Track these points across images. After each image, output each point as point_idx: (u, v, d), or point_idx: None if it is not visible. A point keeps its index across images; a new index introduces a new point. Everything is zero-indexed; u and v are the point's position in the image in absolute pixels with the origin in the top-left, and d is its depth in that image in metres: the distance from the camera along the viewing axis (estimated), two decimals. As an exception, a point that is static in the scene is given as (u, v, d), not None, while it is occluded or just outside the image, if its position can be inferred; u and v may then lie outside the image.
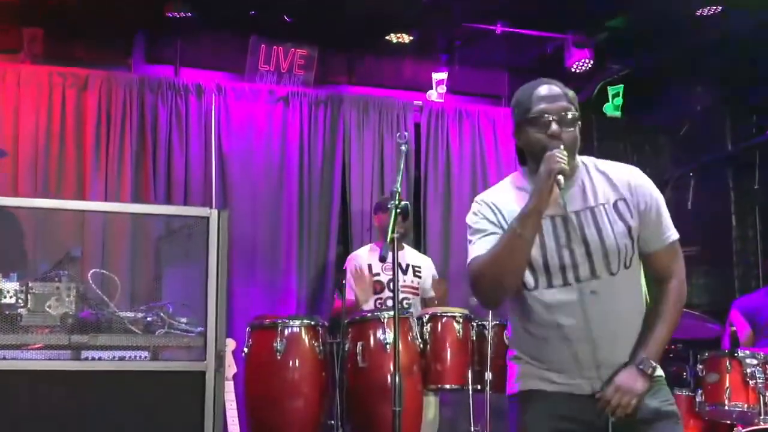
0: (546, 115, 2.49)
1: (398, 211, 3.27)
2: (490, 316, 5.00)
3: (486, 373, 4.92)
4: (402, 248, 5.50)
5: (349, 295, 5.47)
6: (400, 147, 3.63)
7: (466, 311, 5.13)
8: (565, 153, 2.42)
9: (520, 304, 2.56)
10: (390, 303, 5.51)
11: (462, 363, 4.96)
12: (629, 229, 2.51)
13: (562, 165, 2.39)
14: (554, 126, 2.47)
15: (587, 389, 2.51)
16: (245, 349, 4.80)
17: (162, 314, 2.93)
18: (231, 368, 4.98)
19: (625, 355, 2.51)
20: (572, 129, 2.50)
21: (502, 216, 2.54)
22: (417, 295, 5.63)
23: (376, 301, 5.55)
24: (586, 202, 2.53)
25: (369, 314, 4.87)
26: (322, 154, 6.44)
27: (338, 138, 6.48)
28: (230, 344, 5.18)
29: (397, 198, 3.32)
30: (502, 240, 2.45)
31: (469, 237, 2.57)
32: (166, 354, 3.01)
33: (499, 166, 6.76)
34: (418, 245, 6.50)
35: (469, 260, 2.53)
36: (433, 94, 6.78)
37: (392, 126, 6.57)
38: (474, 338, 5.07)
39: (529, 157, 2.56)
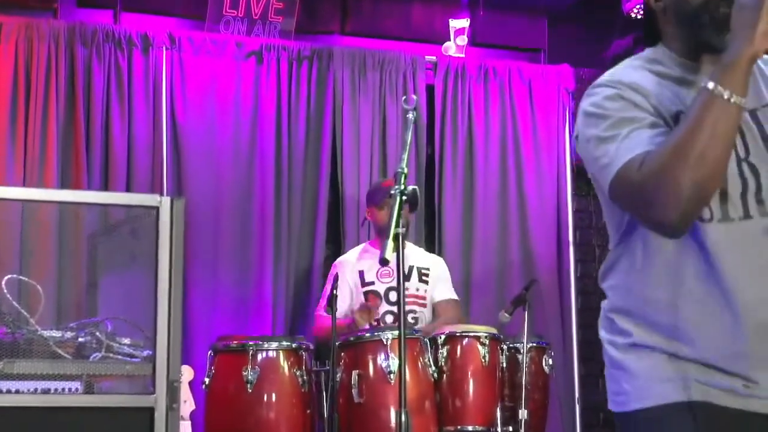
0: None
1: (404, 198, 3.26)
2: (525, 336, 5.02)
3: (520, 411, 4.94)
4: (404, 246, 5.50)
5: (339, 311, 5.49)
6: (407, 115, 3.61)
7: (493, 330, 5.14)
8: None
9: (660, 246, 2.16)
10: (390, 319, 5.53)
11: (488, 398, 4.98)
12: None
13: None
14: None
15: (758, 407, 2.12)
16: (206, 380, 4.81)
17: (98, 334, 2.93)
18: (188, 404, 4.99)
19: None
20: None
21: (653, 97, 2.18)
22: (425, 305, 5.64)
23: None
24: (761, 97, 2.24)
25: (367, 334, 4.88)
26: (306, 126, 6.44)
27: (327, 105, 6.47)
28: (187, 373, 5.20)
29: (402, 182, 3.31)
30: (697, 114, 2.02)
31: (602, 132, 2.15)
32: (103, 385, 3.01)
33: (536, 140, 6.76)
34: (431, 245, 6.50)
35: (616, 166, 2.09)
36: (451, 48, 6.77)
37: (397, 89, 6.57)
38: (504, 365, 5.09)
39: (678, 23, 2.25)
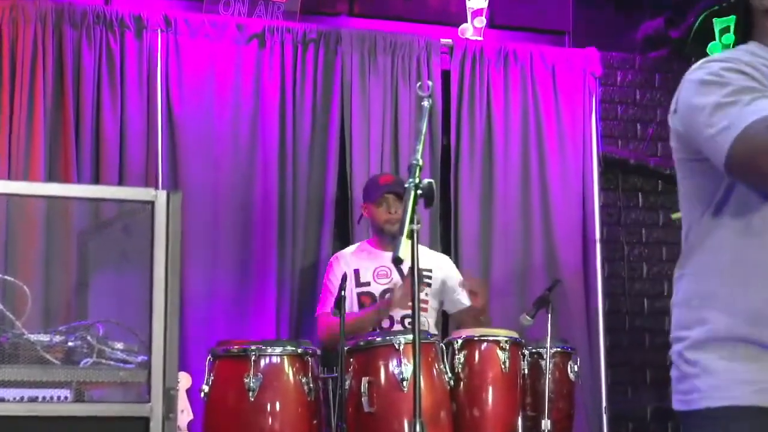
0: None
1: (419, 192, 3.25)
2: (548, 341, 5.01)
3: (543, 422, 4.95)
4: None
5: (324, 308, 5.55)
6: (422, 103, 3.61)
7: (514, 334, 5.13)
8: None
9: (749, 213, 2.23)
10: (387, 324, 5.53)
11: (509, 407, 4.99)
12: None
13: None
14: None
15: None
16: (205, 388, 4.82)
17: (89, 338, 2.93)
18: (185, 414, 4.99)
19: None
20: None
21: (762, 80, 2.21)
22: (425, 310, 5.61)
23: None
24: None
25: (378, 338, 4.88)
26: (312, 115, 6.44)
27: (334, 92, 6.47)
28: (184, 380, 5.19)
29: (417, 175, 3.30)
30: None
31: (721, 99, 2.18)
32: (94, 393, 3.01)
33: (560, 130, 6.74)
34: (446, 243, 6.49)
35: (743, 126, 2.12)
36: (468, 30, 6.76)
37: (410, 74, 6.57)
38: (526, 372, 5.09)
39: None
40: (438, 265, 5.78)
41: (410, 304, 5.25)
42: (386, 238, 5.61)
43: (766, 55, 2.30)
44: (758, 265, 2.21)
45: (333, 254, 6.05)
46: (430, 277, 5.70)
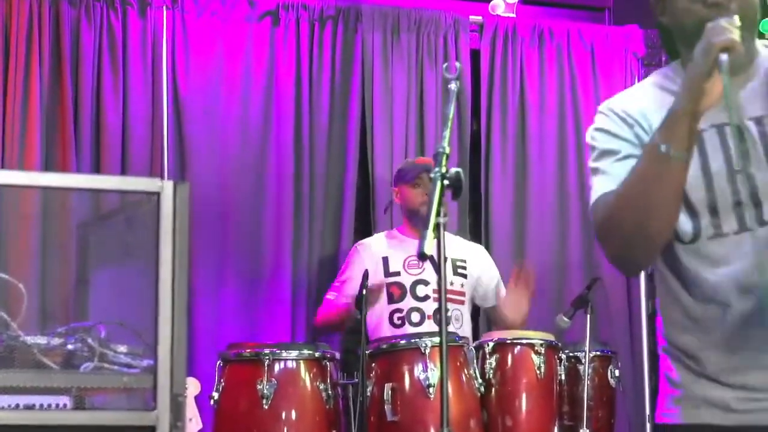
0: None
1: (445, 182, 3.25)
2: (587, 343, 5.01)
3: (581, 431, 4.92)
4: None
5: (338, 299, 5.56)
6: (449, 86, 3.60)
7: (550, 336, 5.13)
8: (737, 23, 2.34)
9: (669, 267, 2.54)
10: (416, 318, 5.53)
11: (544, 415, 5.00)
12: None
13: (729, 37, 2.29)
14: None
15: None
16: (214, 395, 4.84)
17: (90, 340, 2.94)
18: (193, 422, 5.02)
19: None
20: None
21: (642, 127, 2.52)
22: (461, 302, 5.62)
23: (392, 315, 5.60)
24: None
25: (402, 341, 4.88)
26: (330, 98, 6.45)
27: (354, 74, 6.48)
28: (192, 386, 5.22)
29: (443, 163, 3.30)
30: (641, 163, 2.40)
31: (591, 164, 2.56)
32: (96, 400, 3.02)
33: (600, 115, 6.73)
34: (476, 237, 6.49)
35: (592, 199, 2.52)
36: (500, 6, 6.76)
37: (436, 54, 6.57)
38: (563, 377, 5.09)
39: (680, 42, 2.55)
40: (474, 256, 5.78)
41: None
42: (420, 224, 5.59)
43: (678, 78, 2.50)
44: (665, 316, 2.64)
45: (353, 246, 6.04)
46: (465, 268, 5.69)
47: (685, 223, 2.46)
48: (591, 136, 2.59)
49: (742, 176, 2.43)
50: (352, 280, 5.52)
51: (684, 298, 2.52)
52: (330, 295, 5.69)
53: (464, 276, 5.68)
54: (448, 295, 5.57)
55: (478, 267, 5.75)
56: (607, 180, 2.48)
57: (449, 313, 5.56)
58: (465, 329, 5.56)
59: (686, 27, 2.47)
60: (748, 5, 2.45)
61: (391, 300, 5.60)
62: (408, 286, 5.61)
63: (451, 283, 5.61)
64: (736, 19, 2.33)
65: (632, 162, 2.44)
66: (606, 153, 2.52)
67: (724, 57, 2.28)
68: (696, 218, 2.46)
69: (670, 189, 2.36)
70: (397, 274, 5.64)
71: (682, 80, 2.39)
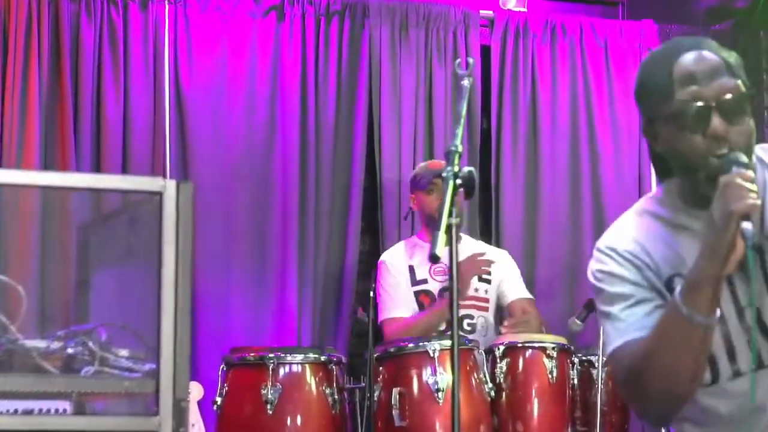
0: (699, 103, 2.43)
1: (458, 183, 3.24)
2: (600, 347, 5.00)
3: (595, 437, 4.93)
4: (459, 239, 5.49)
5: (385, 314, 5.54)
6: (461, 83, 3.59)
7: (562, 340, 5.13)
8: (751, 175, 2.34)
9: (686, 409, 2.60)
10: (442, 325, 5.52)
11: (556, 421, 5.00)
12: None
13: (749, 203, 2.29)
14: (716, 120, 2.41)
15: None
16: (218, 399, 4.85)
17: (91, 344, 2.93)
18: (196, 428, 5.02)
19: None
20: (744, 120, 2.44)
21: (648, 267, 2.55)
22: (486, 309, 5.62)
23: None
24: (765, 225, 2.51)
25: (409, 344, 4.88)
26: (336, 96, 6.45)
27: (361, 70, 6.48)
28: (196, 391, 5.22)
29: (456, 162, 3.29)
30: (666, 328, 2.42)
31: (601, 307, 2.60)
32: (97, 405, 3.02)
33: (613, 112, 6.72)
34: (486, 238, 6.49)
35: (609, 349, 2.55)
36: (511, 0, 6.74)
37: (446, 50, 6.56)
38: (575, 382, 5.09)
39: (675, 168, 2.55)
40: (500, 259, 5.77)
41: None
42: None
43: (674, 206, 2.57)
44: None
45: (360, 249, 6.05)
46: (489, 273, 5.69)
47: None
48: (595, 277, 2.62)
49: (749, 311, 2.49)
50: (398, 293, 5.53)
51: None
52: (388, 317, 5.63)
53: (488, 282, 5.68)
54: (473, 302, 5.62)
55: (502, 271, 5.75)
56: (623, 329, 2.51)
57: (472, 321, 5.58)
58: (491, 338, 5.53)
59: (684, 159, 2.47)
60: (747, 133, 2.45)
61: (421, 308, 5.60)
62: (436, 293, 5.60)
63: (476, 290, 5.62)
64: (744, 159, 2.36)
65: (645, 308, 2.49)
66: (616, 297, 2.55)
67: (748, 227, 2.29)
68: (714, 364, 2.51)
69: (698, 353, 2.41)
70: (424, 281, 5.65)
71: (701, 243, 2.38)
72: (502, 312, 5.77)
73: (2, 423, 2.86)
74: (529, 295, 5.79)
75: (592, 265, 2.64)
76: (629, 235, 2.61)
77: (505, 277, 5.74)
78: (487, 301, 5.65)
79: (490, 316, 5.65)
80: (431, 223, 5.64)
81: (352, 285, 6.26)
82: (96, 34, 6.09)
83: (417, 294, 5.63)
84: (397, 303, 5.60)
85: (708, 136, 2.41)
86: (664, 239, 2.53)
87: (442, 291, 5.57)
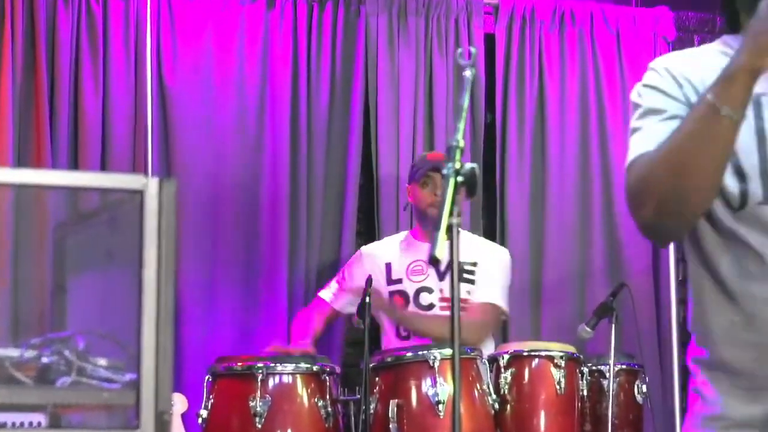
0: None
1: (460, 179, 3.25)
2: (612, 356, 5.01)
3: (606, 452, 4.95)
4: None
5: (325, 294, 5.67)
6: (463, 74, 3.59)
7: (571, 348, 5.14)
8: None
9: (710, 245, 2.53)
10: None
11: (565, 434, 4.98)
12: None
13: None
14: None
15: None
16: (203, 412, 4.86)
17: (67, 352, 2.93)
18: (180, 443, 5.02)
19: None
20: None
21: (694, 88, 2.51)
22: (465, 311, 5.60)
23: (398, 326, 5.60)
24: None
25: (408, 353, 4.89)
26: (330, 88, 6.46)
27: (357, 61, 6.49)
28: (179, 403, 5.22)
29: (457, 158, 3.30)
30: (688, 119, 2.40)
31: (633, 123, 2.56)
32: (73, 418, 3.02)
33: (626, 106, 6.71)
34: (491, 239, 6.47)
35: (628, 160, 2.51)
36: (516, -14, 6.77)
37: (447, 39, 6.57)
38: (585, 393, 5.10)
39: (742, 10, 2.55)
40: (488, 258, 5.72)
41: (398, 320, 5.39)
42: (429, 226, 5.59)
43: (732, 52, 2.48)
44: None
45: (355, 251, 6.04)
46: (473, 272, 5.64)
47: (732, 186, 2.44)
48: (638, 92, 2.58)
49: None
50: (345, 290, 5.54)
51: (726, 284, 2.49)
52: (322, 295, 5.73)
53: (470, 282, 5.63)
54: (449, 303, 5.55)
55: (483, 273, 5.67)
56: (647, 139, 2.48)
57: None
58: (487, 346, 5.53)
59: None
60: None
61: None
62: (411, 295, 5.59)
63: (441, 290, 5.59)
64: None
65: (678, 124, 2.43)
66: (651, 111, 2.52)
67: None
68: (744, 182, 2.44)
69: (717, 149, 2.37)
70: (399, 281, 5.63)
71: (744, 36, 2.37)
72: None
73: (-27, 437, 2.86)
74: (496, 301, 5.60)
75: (638, 83, 2.62)
76: (691, 61, 2.59)
77: (482, 280, 5.64)
78: (466, 302, 5.57)
79: None
80: (422, 220, 5.64)
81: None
82: (73, 21, 6.09)
83: (391, 294, 5.61)
84: (338, 290, 5.67)
85: None
86: (720, 68, 2.43)
87: (418, 292, 5.56)
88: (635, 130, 2.53)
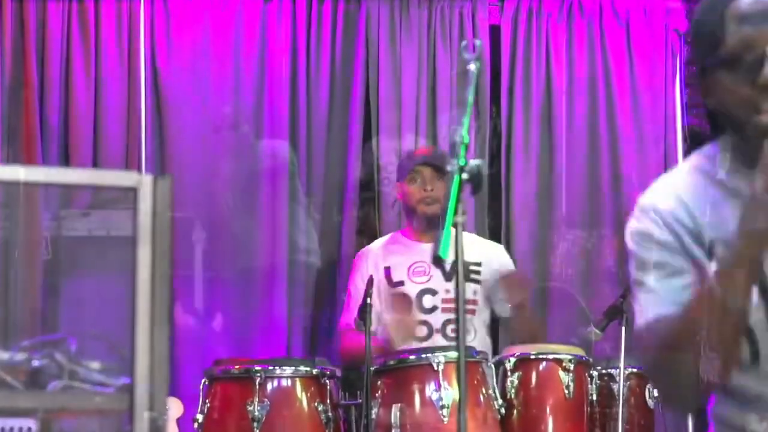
0: (753, 49, 2.43)
1: (464, 177, 3.24)
2: (622, 359, 5.01)
3: (616, 458, 4.94)
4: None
5: (348, 318, 5.53)
6: (468, 67, 3.59)
7: (580, 351, 5.14)
8: None
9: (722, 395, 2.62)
10: (424, 331, 5.55)
11: (573, 440, 4.99)
12: None
13: None
14: (767, 70, 2.42)
15: None
16: (199, 417, 4.86)
17: (58, 356, 2.93)
18: (175, 449, 5.02)
19: None
20: None
21: (689, 230, 2.56)
22: (473, 312, 5.60)
23: None
24: None
25: (411, 356, 4.88)
26: (330, 82, 6.46)
27: (358, 55, 6.49)
28: (174, 407, 5.21)
29: (462, 155, 3.29)
30: (698, 306, 2.44)
31: (635, 273, 2.62)
32: (65, 423, 3.01)
33: (635, 99, 6.72)
34: (496, 239, 6.48)
35: (639, 321, 2.58)
36: (522, -23, 6.77)
37: (451, 31, 6.57)
38: (594, 397, 5.10)
39: (726, 124, 2.55)
40: (490, 257, 5.74)
41: (410, 336, 5.37)
42: (422, 225, 5.58)
43: (722, 165, 2.56)
44: None
45: (356, 250, 6.04)
46: (478, 272, 5.66)
47: (743, 348, 2.50)
48: (632, 239, 2.63)
49: None
50: (359, 294, 5.53)
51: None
52: (348, 323, 5.61)
53: (477, 282, 5.64)
54: (453, 305, 5.57)
55: (493, 269, 5.70)
56: (655, 301, 2.53)
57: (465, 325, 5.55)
58: (477, 343, 5.52)
59: (732, 111, 2.48)
60: None
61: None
62: (414, 297, 5.58)
63: (447, 291, 5.60)
64: None
65: (681, 281, 2.50)
66: (651, 265, 2.56)
67: None
68: (754, 343, 2.50)
69: (730, 338, 2.42)
70: (401, 284, 5.62)
71: (740, 218, 2.40)
72: (496, 319, 5.76)
73: (-39, 444, 2.86)
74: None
75: (631, 223, 2.64)
76: (674, 193, 2.60)
77: (494, 276, 5.65)
78: (475, 303, 5.61)
79: (477, 319, 5.61)
80: (412, 218, 5.63)
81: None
82: (64, 13, 6.10)
83: (395, 298, 5.59)
84: (350, 306, 5.54)
85: (758, 87, 2.41)
86: (712, 200, 2.52)
87: (421, 293, 5.54)
88: (640, 284, 2.58)
